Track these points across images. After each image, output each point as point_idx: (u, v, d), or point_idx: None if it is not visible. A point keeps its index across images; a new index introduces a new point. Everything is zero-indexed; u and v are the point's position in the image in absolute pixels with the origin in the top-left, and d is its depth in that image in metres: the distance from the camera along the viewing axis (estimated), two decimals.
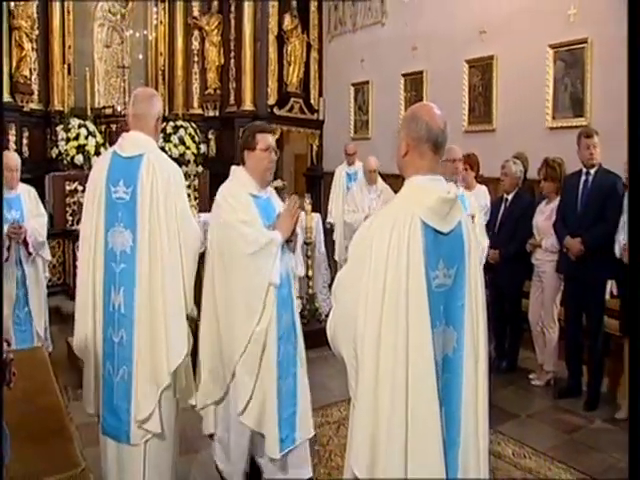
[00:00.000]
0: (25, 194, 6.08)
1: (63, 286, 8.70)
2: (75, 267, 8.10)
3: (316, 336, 5.12)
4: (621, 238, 5.20)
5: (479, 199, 6.78)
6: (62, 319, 7.37)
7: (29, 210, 6.03)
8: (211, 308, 3.66)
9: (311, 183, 12.49)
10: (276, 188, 8.57)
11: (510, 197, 6.42)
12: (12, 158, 5.99)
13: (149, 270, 3.51)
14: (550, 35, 7.79)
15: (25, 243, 5.89)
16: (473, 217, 4.58)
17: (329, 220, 9.41)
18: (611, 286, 6.09)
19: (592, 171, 5.63)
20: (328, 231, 9.01)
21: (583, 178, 5.64)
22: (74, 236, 8.28)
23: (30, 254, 5.96)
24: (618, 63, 6.92)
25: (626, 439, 4.68)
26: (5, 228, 5.57)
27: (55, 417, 3.18)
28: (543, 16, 7.86)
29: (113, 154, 3.65)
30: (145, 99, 3.69)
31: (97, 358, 3.66)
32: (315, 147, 12.60)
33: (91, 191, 3.69)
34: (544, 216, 6.05)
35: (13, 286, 5.83)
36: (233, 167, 3.77)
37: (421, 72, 9.97)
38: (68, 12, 10.40)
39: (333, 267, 8.59)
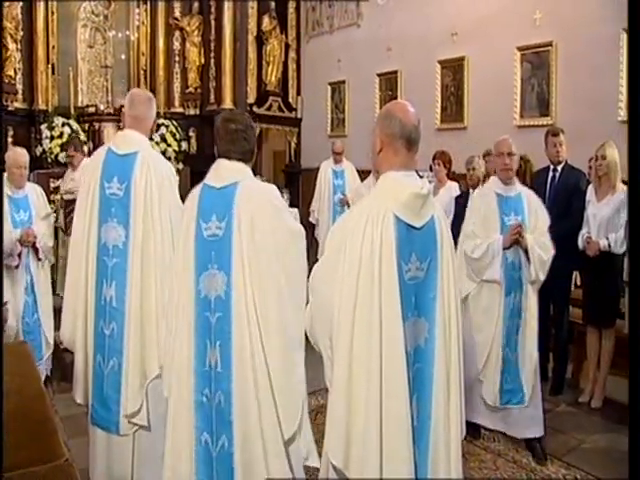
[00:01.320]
0: (33, 193, 5.62)
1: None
2: (59, 262, 8.30)
3: None
4: (584, 231, 5.41)
5: (448, 195, 7.04)
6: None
7: (37, 211, 5.59)
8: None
9: (289, 179, 12.59)
10: None
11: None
12: (22, 154, 5.51)
13: (141, 265, 3.50)
14: (517, 38, 8.06)
15: (35, 249, 5.48)
16: (521, 226, 4.47)
17: (312, 219, 9.27)
18: (575, 277, 6.35)
19: (559, 168, 5.83)
20: (308, 227, 8.86)
21: (550, 174, 5.83)
22: (57, 231, 8.43)
23: (40, 259, 5.57)
24: (581, 65, 7.29)
25: (589, 421, 5.02)
26: (17, 233, 5.25)
27: (39, 409, 3.04)
28: (511, 20, 8.14)
29: (108, 151, 3.66)
30: (144, 102, 3.83)
31: (87, 349, 3.63)
32: (293, 144, 12.73)
33: (85, 187, 3.69)
34: None
35: (22, 293, 5.44)
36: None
37: (395, 72, 10.18)
38: (52, 13, 10.47)
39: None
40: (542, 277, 4.52)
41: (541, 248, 4.48)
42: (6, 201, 5.25)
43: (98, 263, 3.61)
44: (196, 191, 3.04)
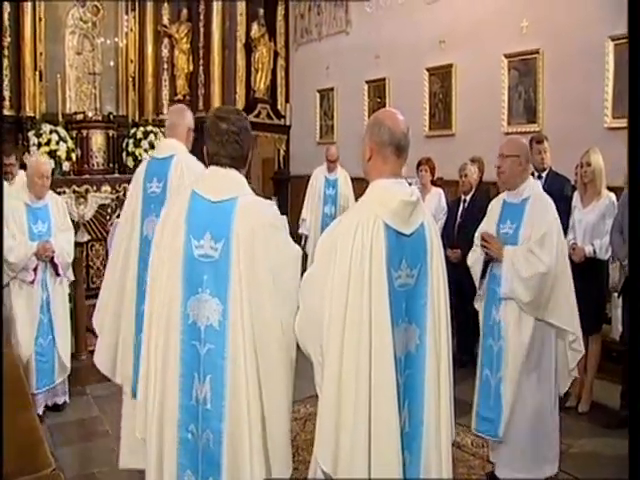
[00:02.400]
0: (53, 204, 5.33)
1: None
2: None
3: None
4: (570, 237, 5.45)
5: (434, 201, 7.09)
6: None
7: (57, 223, 5.32)
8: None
9: (278, 186, 12.57)
10: None
11: (468, 198, 6.67)
12: (44, 163, 5.29)
13: None
14: (505, 45, 8.11)
15: (54, 264, 5.21)
16: (490, 236, 4.15)
17: (302, 230, 8.69)
18: None
19: (543, 174, 5.91)
20: (295, 236, 8.41)
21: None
22: None
23: (59, 275, 5.29)
24: (568, 72, 7.35)
25: (576, 426, 5.03)
26: (34, 246, 5.03)
27: (25, 419, 3.06)
28: (498, 27, 8.19)
29: (152, 157, 4.26)
30: (177, 112, 4.33)
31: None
32: (282, 151, 12.71)
33: (132, 188, 4.18)
34: None
35: (37, 311, 5.14)
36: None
37: (384, 79, 10.22)
38: (40, 19, 10.37)
39: None
40: (523, 296, 3.90)
41: (522, 262, 3.89)
42: (24, 211, 5.12)
43: (140, 255, 3.84)
44: (183, 199, 2.78)
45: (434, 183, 7.42)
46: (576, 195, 5.60)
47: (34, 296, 5.13)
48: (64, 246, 5.29)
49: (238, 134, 2.75)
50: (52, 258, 5.15)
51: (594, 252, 5.28)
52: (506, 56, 8.14)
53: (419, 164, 7.20)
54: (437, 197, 7.21)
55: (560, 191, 5.75)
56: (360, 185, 2.73)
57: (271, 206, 2.87)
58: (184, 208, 2.73)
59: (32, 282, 5.07)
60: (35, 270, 5.07)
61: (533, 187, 4.06)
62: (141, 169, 4.18)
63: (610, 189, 5.58)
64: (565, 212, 5.55)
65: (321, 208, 8.47)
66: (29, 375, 5.02)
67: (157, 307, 2.75)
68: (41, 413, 5.18)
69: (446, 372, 2.58)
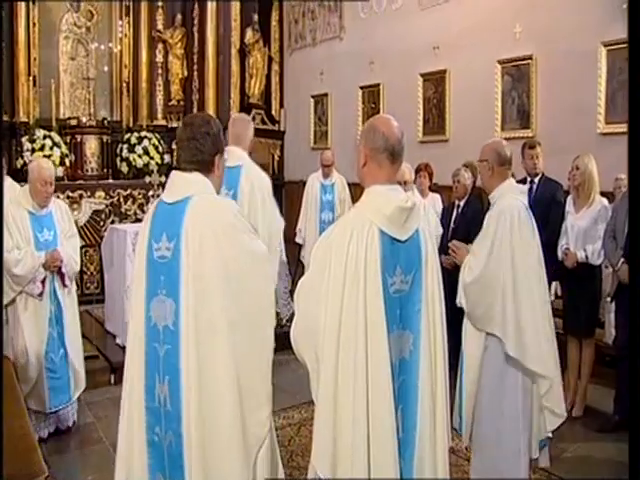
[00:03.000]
0: (57, 211, 5.04)
1: None
2: None
3: (277, 340, 5.32)
4: (563, 242, 5.48)
5: (434, 206, 7.11)
6: None
7: (62, 230, 5.03)
8: None
9: (273, 192, 12.52)
10: None
11: (462, 204, 6.66)
12: (47, 169, 4.86)
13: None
14: (498, 51, 8.14)
15: (61, 274, 4.93)
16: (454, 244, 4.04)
17: (298, 239, 8.56)
18: (555, 287, 6.39)
19: (536, 179, 5.94)
20: (290, 243, 8.05)
21: (528, 186, 5.85)
22: None
23: (66, 286, 5.00)
24: (561, 78, 7.38)
25: (570, 430, 5.05)
26: (42, 256, 4.76)
27: (18, 426, 3.05)
28: (491, 33, 8.21)
29: None
30: (242, 123, 4.87)
31: None
32: (276, 157, 12.72)
33: None
34: None
35: (45, 325, 4.84)
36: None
37: (378, 85, 10.24)
38: (34, 24, 10.39)
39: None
40: (463, 303, 3.80)
41: (466, 269, 3.81)
42: (28, 220, 4.81)
43: None
44: (152, 206, 2.89)
45: (430, 188, 7.44)
46: (569, 200, 5.62)
47: (42, 309, 4.83)
48: (71, 254, 5.01)
49: (198, 139, 2.73)
50: (59, 268, 4.88)
51: (586, 257, 5.29)
52: (499, 62, 8.17)
53: (418, 170, 7.20)
54: (434, 203, 7.23)
55: (552, 196, 5.80)
56: (358, 190, 2.71)
57: (229, 205, 2.88)
58: (150, 214, 2.81)
59: (40, 295, 4.79)
60: (43, 282, 4.79)
61: (502, 193, 3.79)
62: None
63: (603, 194, 5.60)
64: (558, 217, 5.60)
65: (318, 215, 8.27)
66: (42, 394, 4.82)
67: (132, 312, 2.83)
68: (46, 436, 4.97)
69: (442, 378, 2.58)
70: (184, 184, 2.74)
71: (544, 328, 3.69)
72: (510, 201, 3.72)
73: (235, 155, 4.51)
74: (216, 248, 2.61)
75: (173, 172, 2.82)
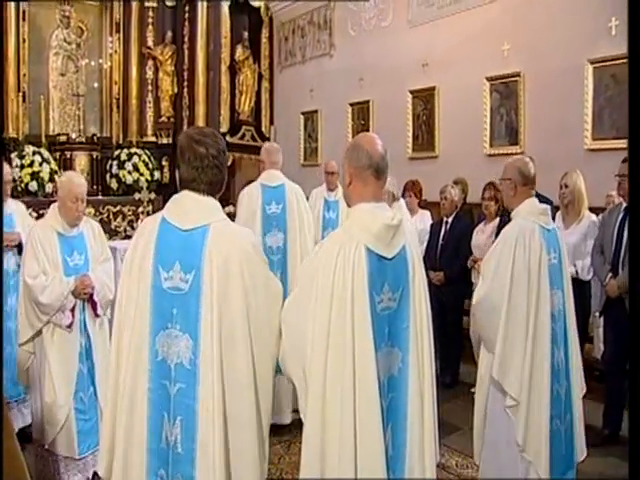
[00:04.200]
0: (89, 231, 4.45)
1: None
2: None
3: None
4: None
5: (423, 223, 7.10)
6: None
7: (94, 254, 4.43)
8: None
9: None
10: (228, 214, 8.77)
11: (450, 220, 6.65)
12: (79, 184, 4.33)
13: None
14: (486, 68, 8.20)
15: (92, 302, 4.30)
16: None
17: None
18: None
19: None
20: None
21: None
22: None
23: (98, 316, 4.34)
24: (548, 95, 7.44)
25: None
26: (71, 282, 4.16)
27: (7, 446, 2.88)
28: (480, 51, 8.29)
29: (262, 185, 5.41)
30: (278, 151, 5.63)
31: None
32: None
33: (245, 211, 5.34)
34: (485, 235, 6.20)
35: (75, 361, 4.21)
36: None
37: (367, 102, 10.30)
38: (23, 40, 10.42)
39: None
40: (475, 328, 3.90)
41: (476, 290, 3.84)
42: (57, 242, 4.22)
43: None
44: (152, 227, 2.59)
45: (419, 205, 7.44)
46: (558, 216, 5.63)
47: (72, 343, 4.22)
48: (104, 280, 4.37)
49: (217, 157, 2.56)
50: (91, 295, 4.27)
51: (576, 273, 5.30)
52: (488, 79, 8.23)
53: (405, 188, 7.20)
54: (423, 219, 7.21)
55: None
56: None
57: (249, 235, 2.71)
58: (153, 236, 2.55)
59: (69, 326, 4.18)
60: (73, 311, 4.19)
61: (519, 213, 3.75)
62: (256, 193, 5.36)
63: (591, 210, 5.62)
64: None
65: (320, 233, 7.28)
66: (71, 438, 4.23)
67: (125, 343, 2.56)
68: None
69: (429, 394, 2.57)
70: (201, 209, 2.56)
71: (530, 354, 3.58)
72: (520, 222, 3.66)
73: (276, 176, 5.42)
74: (241, 282, 2.46)
75: (185, 193, 2.58)
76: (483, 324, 3.72)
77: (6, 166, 5.03)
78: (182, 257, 2.50)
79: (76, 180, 4.35)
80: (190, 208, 2.56)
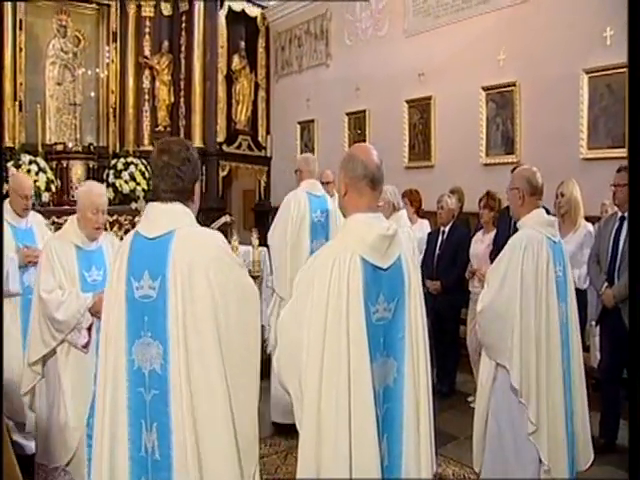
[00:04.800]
0: (108, 246, 4.21)
1: None
2: None
3: (264, 367, 5.28)
4: None
5: (422, 232, 7.08)
6: None
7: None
8: None
9: (259, 218, 12.53)
10: (225, 223, 8.73)
11: (447, 229, 6.65)
12: (100, 194, 4.13)
13: None
14: (482, 78, 8.22)
15: None
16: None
17: None
18: None
19: None
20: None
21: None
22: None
23: None
24: (544, 104, 7.47)
25: None
26: (89, 299, 3.86)
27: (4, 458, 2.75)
28: (476, 60, 8.31)
29: (308, 194, 5.59)
30: (315, 161, 5.94)
31: None
32: (263, 183, 12.78)
33: (296, 215, 5.48)
34: (484, 245, 6.18)
35: (90, 384, 3.75)
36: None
37: (364, 111, 10.32)
38: (20, 50, 10.42)
39: None
40: (479, 333, 3.93)
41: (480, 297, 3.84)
42: (74, 255, 3.99)
43: None
44: (127, 240, 2.68)
45: (418, 214, 7.42)
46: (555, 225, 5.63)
47: (87, 364, 3.90)
48: None
49: (179, 167, 2.58)
50: None
51: (573, 282, 5.30)
52: (484, 88, 8.25)
53: (403, 196, 7.17)
54: (422, 228, 7.20)
55: None
56: None
57: (215, 238, 2.67)
58: (126, 248, 2.63)
59: (86, 346, 3.89)
60: (89, 330, 3.90)
61: (526, 222, 3.74)
62: (304, 200, 5.54)
63: (587, 219, 5.63)
64: None
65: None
66: (81, 466, 3.96)
67: (104, 354, 2.63)
68: None
69: (425, 404, 2.55)
70: (165, 216, 2.59)
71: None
72: (529, 232, 3.65)
73: (318, 186, 5.68)
74: (207, 284, 2.48)
75: (151, 203, 2.64)
76: (487, 331, 3.72)
77: (28, 180, 4.99)
78: (149, 265, 2.55)
79: (96, 190, 4.14)
80: (156, 217, 2.62)
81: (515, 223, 5.64)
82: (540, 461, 3.59)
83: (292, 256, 5.42)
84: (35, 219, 5.17)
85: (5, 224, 4.70)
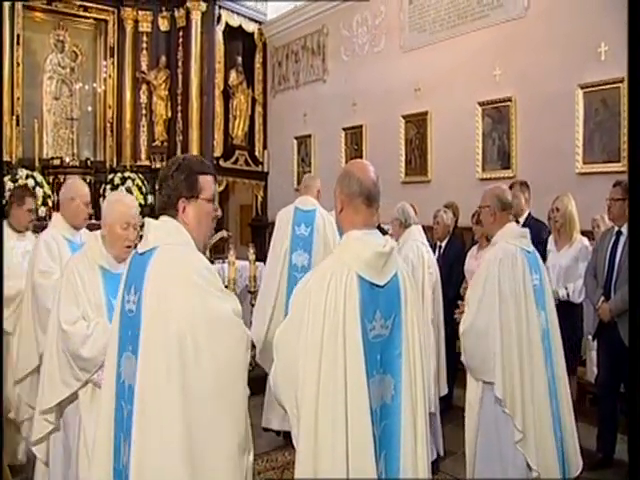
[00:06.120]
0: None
1: None
2: None
3: (262, 382, 5.25)
4: None
5: None
6: None
7: None
8: None
9: (256, 233, 12.55)
10: (221, 238, 8.72)
11: (443, 244, 6.68)
12: (131, 206, 3.63)
13: None
14: (478, 93, 8.26)
15: None
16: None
17: None
18: None
19: (521, 220, 5.93)
20: None
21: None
22: None
23: None
24: (540, 119, 7.51)
25: None
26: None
27: None
28: (471, 76, 8.36)
29: (295, 208, 5.66)
30: (312, 179, 5.97)
31: None
32: (260, 198, 12.76)
33: (282, 228, 5.66)
34: (479, 261, 5.92)
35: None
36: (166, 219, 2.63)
37: (360, 126, 10.34)
38: (18, 64, 10.45)
39: None
40: (464, 357, 3.87)
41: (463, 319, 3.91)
42: (101, 279, 3.46)
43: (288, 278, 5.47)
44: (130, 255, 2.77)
45: None
46: (551, 239, 5.67)
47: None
48: None
49: (164, 181, 2.62)
50: None
51: (567, 295, 5.32)
52: (480, 104, 8.28)
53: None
54: None
55: (536, 236, 5.80)
56: None
57: (192, 260, 2.56)
58: (127, 264, 2.71)
59: None
60: None
61: (500, 237, 3.83)
62: (288, 215, 5.66)
63: (583, 233, 5.65)
64: (541, 256, 5.61)
65: None
66: None
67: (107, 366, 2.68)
68: None
69: (422, 421, 2.55)
70: (152, 231, 2.58)
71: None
72: (503, 245, 3.75)
73: (310, 201, 5.70)
74: (175, 306, 2.43)
75: (146, 219, 2.65)
76: (473, 353, 3.74)
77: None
78: (134, 280, 2.58)
79: (127, 200, 3.65)
80: (146, 232, 2.62)
81: None
82: (530, 469, 3.60)
83: (270, 266, 5.70)
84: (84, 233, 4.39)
85: (60, 238, 4.20)
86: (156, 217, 2.65)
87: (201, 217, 2.63)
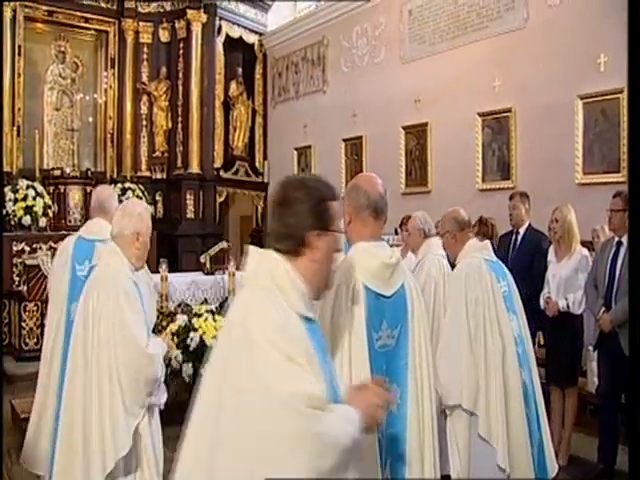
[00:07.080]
0: (145, 274, 3.75)
1: (8, 347, 8.34)
2: (21, 328, 8.07)
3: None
4: (545, 291, 5.47)
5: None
6: (6, 380, 6.86)
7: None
8: None
9: (257, 244, 12.38)
10: (222, 249, 8.72)
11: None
12: (145, 218, 3.39)
13: None
14: (478, 104, 8.30)
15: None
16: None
17: None
18: (538, 337, 6.39)
19: (520, 230, 5.97)
20: None
21: (513, 238, 5.98)
22: (20, 297, 8.27)
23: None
24: (539, 130, 7.52)
25: (554, 479, 4.97)
26: (163, 345, 3.30)
27: None
28: (471, 87, 8.39)
29: None
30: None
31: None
32: (260, 209, 12.77)
33: None
34: None
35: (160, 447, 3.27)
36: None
37: (360, 137, 10.38)
38: (19, 75, 10.49)
39: None
40: (440, 389, 3.66)
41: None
42: (137, 290, 3.22)
43: None
44: None
45: None
46: (551, 250, 5.65)
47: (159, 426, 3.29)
48: (157, 351, 3.22)
49: (281, 212, 2.12)
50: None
51: (568, 306, 5.30)
52: (480, 114, 8.32)
53: (402, 223, 7.18)
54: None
55: (536, 246, 5.82)
56: None
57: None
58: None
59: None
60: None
61: (463, 255, 3.87)
62: None
63: (583, 244, 5.64)
64: (541, 267, 5.61)
65: None
66: None
67: None
68: None
69: (429, 430, 2.56)
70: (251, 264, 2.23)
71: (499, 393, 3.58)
72: (466, 261, 3.80)
73: None
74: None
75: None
76: (450, 378, 3.59)
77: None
78: None
79: (144, 204, 3.52)
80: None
81: (515, 246, 5.77)
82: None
83: None
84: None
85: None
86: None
87: (331, 253, 2.05)
